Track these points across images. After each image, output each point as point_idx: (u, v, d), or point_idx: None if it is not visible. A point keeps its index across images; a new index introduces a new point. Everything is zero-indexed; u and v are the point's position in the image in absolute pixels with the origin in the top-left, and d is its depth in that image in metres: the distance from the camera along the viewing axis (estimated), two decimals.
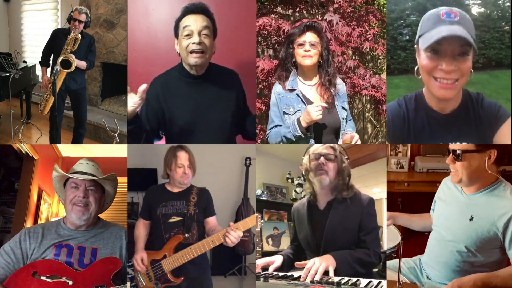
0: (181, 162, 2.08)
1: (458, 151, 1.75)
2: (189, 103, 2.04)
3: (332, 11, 2.96)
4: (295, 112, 2.09)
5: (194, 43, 1.92)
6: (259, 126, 2.85)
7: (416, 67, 1.60)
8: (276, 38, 2.99)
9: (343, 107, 2.17)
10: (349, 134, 2.10)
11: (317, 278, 1.62)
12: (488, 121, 1.63)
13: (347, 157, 1.87)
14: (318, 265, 1.65)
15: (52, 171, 1.90)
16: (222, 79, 2.09)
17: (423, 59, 1.54)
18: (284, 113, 2.10)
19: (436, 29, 1.48)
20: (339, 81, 2.20)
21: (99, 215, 1.96)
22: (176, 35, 2.00)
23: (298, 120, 2.01)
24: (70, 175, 1.86)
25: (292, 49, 2.10)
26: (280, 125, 2.11)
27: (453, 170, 1.83)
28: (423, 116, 1.65)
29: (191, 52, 1.93)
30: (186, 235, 2.02)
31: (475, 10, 4.71)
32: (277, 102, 2.13)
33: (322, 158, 1.83)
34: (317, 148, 1.87)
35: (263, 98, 2.89)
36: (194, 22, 1.93)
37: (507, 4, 4.67)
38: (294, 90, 2.11)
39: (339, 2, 2.97)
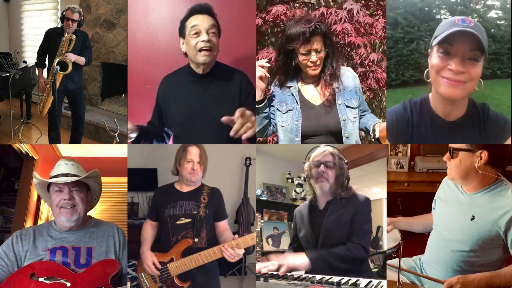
0: (191, 157, 2.03)
1: (453, 148, 1.78)
2: (191, 101, 2.05)
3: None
4: (287, 111, 2.00)
5: (203, 40, 1.93)
6: None
7: (426, 70, 1.60)
8: None
9: (348, 106, 1.98)
10: (380, 124, 1.91)
11: (264, 270, 1.76)
12: (493, 133, 1.63)
13: (346, 161, 1.90)
14: (282, 265, 1.76)
15: (33, 179, 1.88)
16: (227, 78, 2.07)
17: (434, 58, 1.54)
18: (277, 109, 2.03)
19: (451, 30, 1.48)
20: (348, 74, 2.02)
21: (91, 215, 1.96)
22: (183, 35, 2.00)
23: None
24: (49, 181, 1.83)
25: (293, 55, 1.94)
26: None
27: (448, 167, 1.86)
28: (427, 121, 1.64)
29: (200, 50, 1.94)
30: (196, 239, 1.97)
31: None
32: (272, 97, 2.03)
33: (322, 166, 1.86)
34: (317, 155, 1.89)
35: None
36: (202, 21, 1.95)
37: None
38: (290, 87, 2.01)
39: None
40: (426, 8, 4.32)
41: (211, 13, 1.99)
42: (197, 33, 1.94)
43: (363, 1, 2.74)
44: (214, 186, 2.14)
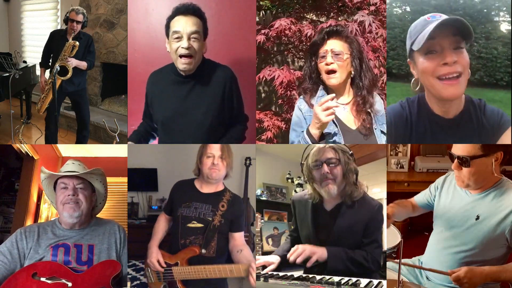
0: (211, 151, 1.91)
1: (465, 158, 1.73)
2: (174, 100, 2.02)
3: (367, 13, 2.46)
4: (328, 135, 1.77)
5: (183, 47, 1.89)
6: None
7: (413, 79, 1.59)
8: (301, 44, 2.59)
9: (382, 132, 1.82)
10: None
11: (299, 260, 1.64)
12: (491, 128, 1.62)
13: (350, 152, 1.71)
14: (305, 249, 1.65)
15: (40, 174, 1.89)
16: (212, 77, 2.02)
17: (421, 63, 1.53)
18: None
19: (427, 28, 1.48)
20: (377, 98, 1.84)
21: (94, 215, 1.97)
22: (167, 35, 1.97)
23: (308, 130, 1.70)
24: (57, 173, 1.86)
25: (315, 62, 1.79)
26: None
27: (457, 175, 1.81)
28: (425, 120, 1.63)
29: (180, 56, 1.91)
30: (203, 250, 1.84)
31: (504, 27, 4.58)
32: (300, 120, 1.80)
33: (325, 166, 1.68)
34: (315, 153, 1.70)
35: (283, 115, 2.59)
36: (184, 26, 1.90)
37: None
38: None
39: (376, 3, 2.48)
40: (485, 10, 4.23)
41: (197, 13, 1.93)
42: (179, 38, 1.90)
43: (373, 16, 2.44)
44: None
